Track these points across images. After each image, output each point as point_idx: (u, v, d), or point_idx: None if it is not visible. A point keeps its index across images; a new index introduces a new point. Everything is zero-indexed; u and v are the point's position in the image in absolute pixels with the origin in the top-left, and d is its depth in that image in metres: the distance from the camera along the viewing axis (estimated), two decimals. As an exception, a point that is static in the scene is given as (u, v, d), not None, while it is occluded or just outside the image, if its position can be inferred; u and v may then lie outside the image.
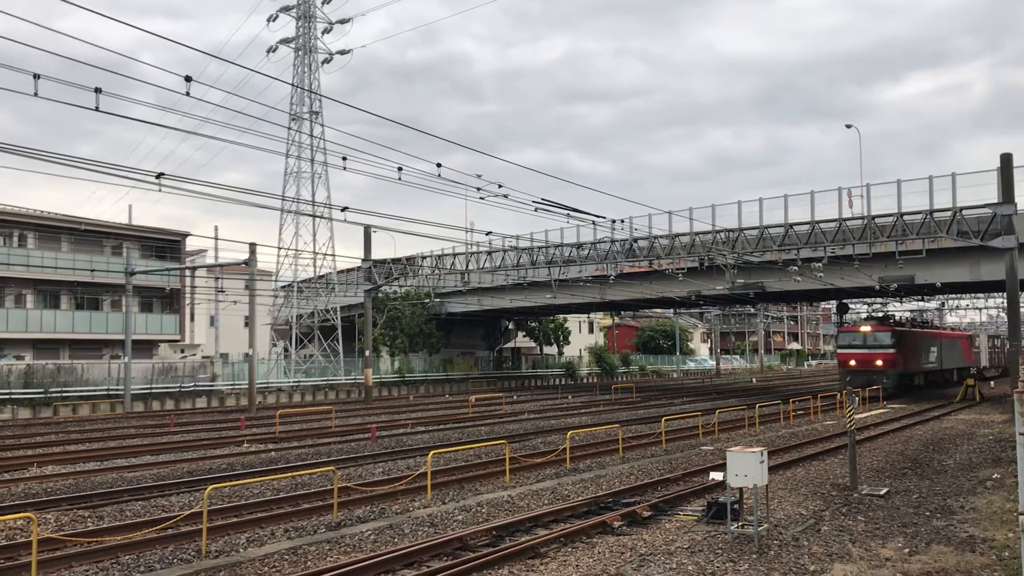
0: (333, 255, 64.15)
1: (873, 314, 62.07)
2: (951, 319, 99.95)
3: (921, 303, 74.97)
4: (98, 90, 13.56)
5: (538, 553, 12.16)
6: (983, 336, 73.15)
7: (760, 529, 12.89)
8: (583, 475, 19.74)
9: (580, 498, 16.48)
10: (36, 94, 12.87)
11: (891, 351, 47.98)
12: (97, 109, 13.71)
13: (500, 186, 22.65)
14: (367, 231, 50.79)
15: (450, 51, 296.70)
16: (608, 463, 21.78)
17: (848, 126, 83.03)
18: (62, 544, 12.38)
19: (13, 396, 39.52)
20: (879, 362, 47.60)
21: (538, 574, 11.07)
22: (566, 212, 25.07)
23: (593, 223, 36.60)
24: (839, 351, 51.66)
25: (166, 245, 59.38)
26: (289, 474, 18.22)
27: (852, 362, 48.97)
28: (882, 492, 17.10)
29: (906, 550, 12.34)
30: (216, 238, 63.09)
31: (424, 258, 53.15)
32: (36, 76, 12.84)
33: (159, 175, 16.57)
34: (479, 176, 22.53)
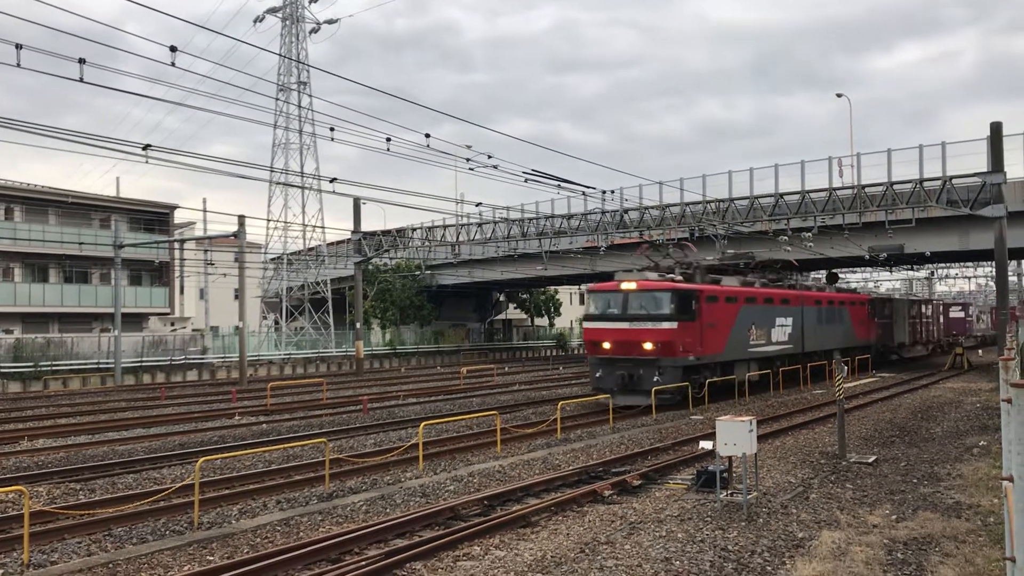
0: (323, 227, 63.94)
1: (658, 255, 33.08)
2: (941, 288, 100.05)
3: (910, 272, 74.62)
4: (82, 61, 13.39)
5: (529, 522, 12.25)
6: (900, 302, 52.84)
7: (749, 497, 13.00)
8: (574, 445, 19.85)
9: (571, 468, 16.57)
10: (19, 65, 12.70)
11: (671, 326, 26.41)
12: (82, 80, 13.55)
13: (490, 156, 22.56)
14: (356, 203, 50.57)
15: (439, 20, 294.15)
16: (599, 433, 21.89)
17: (839, 95, 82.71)
18: (54, 517, 12.41)
19: (3, 370, 39.43)
20: (649, 344, 26.34)
21: (529, 543, 11.15)
22: (556, 183, 25.01)
23: (583, 194, 36.48)
24: (585, 325, 28.41)
25: (154, 218, 59.04)
26: (280, 446, 18.26)
27: (606, 344, 26.99)
28: (870, 460, 17.25)
29: (893, 517, 12.48)
30: (205, 210, 62.66)
31: (414, 230, 52.98)
32: (18, 46, 12.67)
33: (146, 147, 16.43)
34: (469, 147, 22.42)
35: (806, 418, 24.32)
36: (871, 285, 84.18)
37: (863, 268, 61.20)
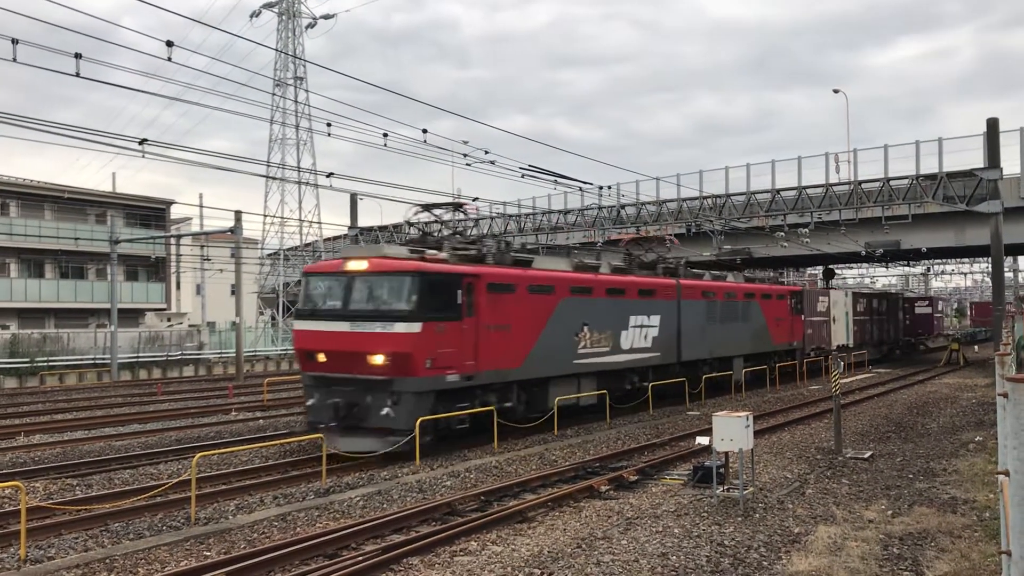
0: (319, 223, 63.91)
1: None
2: (937, 284, 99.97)
3: (907, 268, 74.46)
4: (78, 55, 13.37)
5: (526, 517, 12.27)
6: (838, 294, 43.86)
7: (745, 492, 13.02)
8: (570, 441, 19.86)
9: (567, 463, 16.59)
10: (15, 59, 12.67)
11: (411, 328, 17.10)
12: (78, 75, 13.53)
13: (487, 152, 22.54)
14: (353, 198, 50.53)
15: (436, 15, 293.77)
16: (595, 428, 21.91)
17: (836, 91, 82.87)
18: (51, 512, 12.41)
19: (-1, 366, 39.38)
20: (379, 356, 17.00)
21: (526, 538, 11.17)
22: (553, 179, 24.98)
23: (580, 189, 36.48)
24: (296, 325, 19.41)
25: (151, 213, 58.92)
26: (277, 441, 18.25)
27: (320, 356, 17.82)
28: (866, 455, 17.29)
29: (889, 512, 12.51)
30: (201, 205, 62.59)
31: (411, 225, 52.94)
32: (14, 41, 12.64)
33: (142, 141, 16.39)
34: (466, 143, 22.39)
35: (802, 413, 24.37)
36: (867, 281, 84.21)
37: (859, 264, 61.25)
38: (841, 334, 42.70)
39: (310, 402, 18.06)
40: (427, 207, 21.96)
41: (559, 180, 25.27)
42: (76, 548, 10.92)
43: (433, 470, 16.20)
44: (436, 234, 22.04)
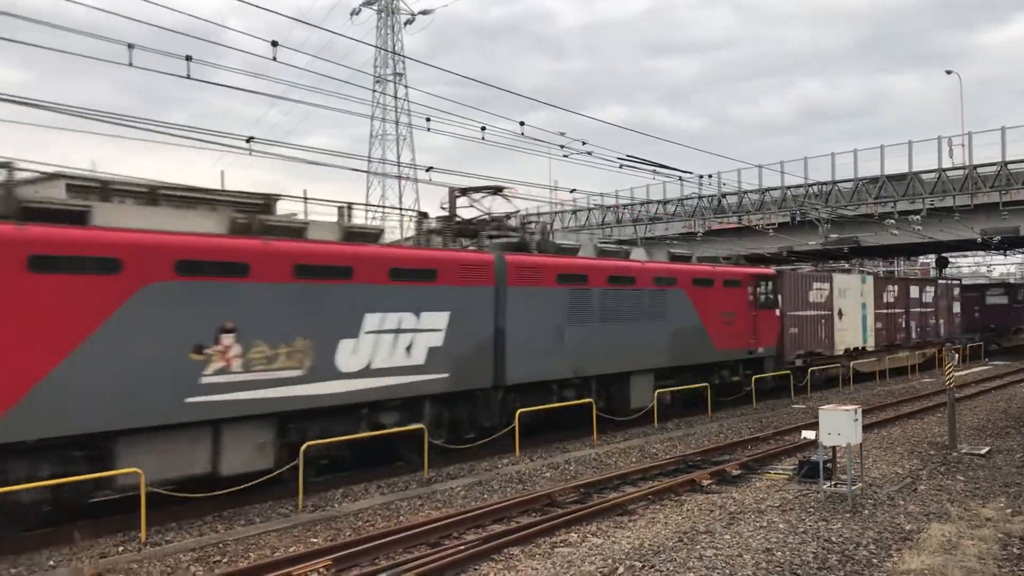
0: (418, 216, 64.68)
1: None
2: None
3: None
4: (189, 58, 13.87)
5: (626, 510, 12.20)
6: (848, 279, 31.88)
7: (854, 488, 12.65)
8: (671, 434, 19.65)
9: (668, 457, 16.43)
10: (131, 64, 13.23)
11: None
12: (188, 77, 14.04)
13: (584, 143, 22.43)
14: (451, 192, 51.07)
15: (533, 7, 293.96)
16: (696, 422, 21.60)
17: (949, 72, 79.34)
18: (170, 499, 12.94)
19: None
20: None
21: (627, 531, 11.11)
22: (652, 168, 24.70)
23: (680, 179, 35.97)
24: None
25: (258, 208, 60.65)
26: (381, 432, 18.59)
27: None
28: (983, 451, 16.57)
29: (1008, 510, 11.96)
30: (305, 199, 64.31)
31: (508, 217, 53.19)
32: (130, 46, 13.19)
33: (249, 139, 16.93)
34: (562, 134, 22.34)
35: (913, 407, 23.51)
36: (983, 270, 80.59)
37: (975, 252, 58.60)
38: (853, 333, 31.05)
39: None
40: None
41: (658, 169, 24.98)
42: (192, 533, 11.38)
43: (532, 461, 16.27)
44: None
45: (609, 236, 49.53)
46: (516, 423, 16.69)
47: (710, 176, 38.26)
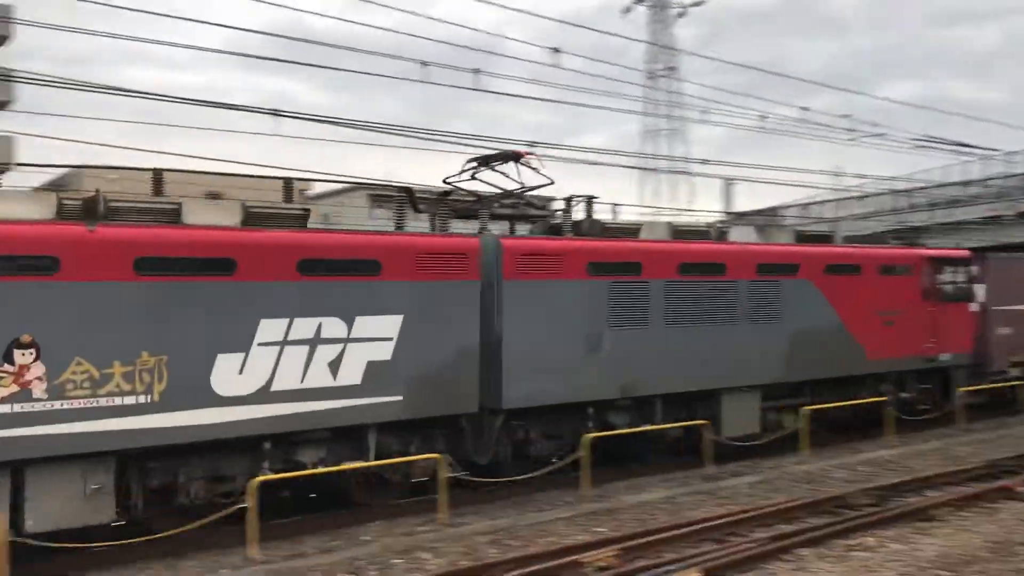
0: (692, 211, 63.98)
1: None
2: None
3: None
4: (477, 71, 14.68)
5: (928, 516, 11.37)
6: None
7: None
8: (979, 435, 18.04)
9: (975, 460, 15.10)
10: (423, 81, 14.22)
11: None
12: (476, 89, 14.84)
13: (875, 125, 21.13)
14: (726, 184, 49.97)
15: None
16: (1012, 423, 19.64)
17: None
18: (468, 483, 13.67)
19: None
20: None
21: (930, 537, 10.37)
22: (952, 147, 22.80)
23: (983, 158, 32.89)
24: None
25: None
26: (664, 426, 18.65)
27: None
28: None
29: None
30: (592, 200, 66.06)
31: (787, 207, 51.21)
32: (423, 63, 14.19)
33: (531, 144, 17.63)
34: (847, 117, 21.19)
35: None
36: None
37: None
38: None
39: None
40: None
41: (959, 148, 22.99)
42: (486, 517, 12.01)
43: (821, 460, 15.58)
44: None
45: (902, 223, 46.26)
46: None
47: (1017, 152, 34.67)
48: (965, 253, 20.35)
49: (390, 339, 11.74)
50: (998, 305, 20.31)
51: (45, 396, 9.45)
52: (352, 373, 11.43)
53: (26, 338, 9.39)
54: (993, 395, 20.56)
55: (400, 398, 11.79)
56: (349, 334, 11.41)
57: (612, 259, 13.97)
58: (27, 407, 9.35)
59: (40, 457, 9.50)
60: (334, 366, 11.30)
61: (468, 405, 12.52)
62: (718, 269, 15.23)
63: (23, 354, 9.38)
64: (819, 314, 16.53)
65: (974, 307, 19.76)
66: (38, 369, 9.44)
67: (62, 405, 9.54)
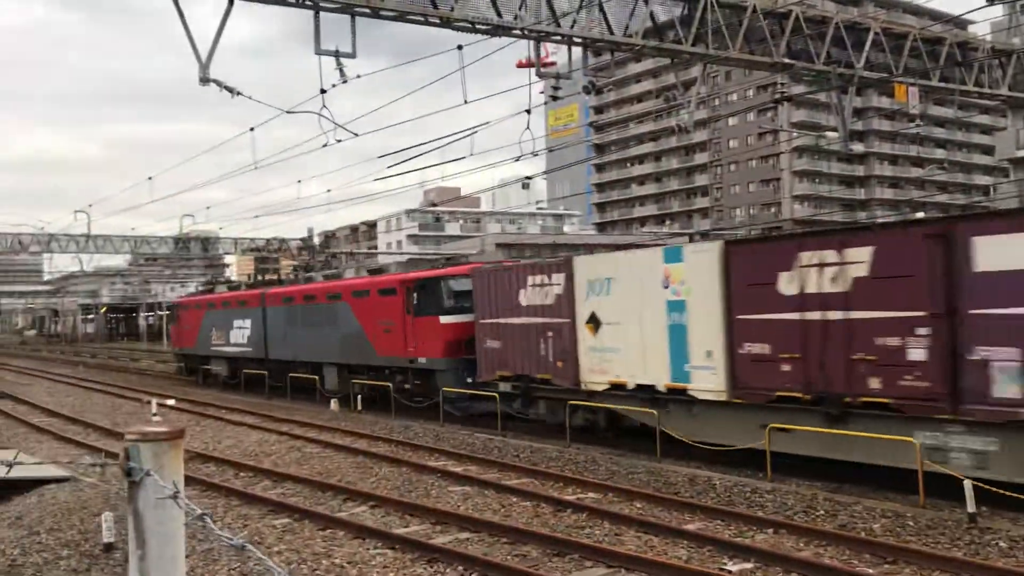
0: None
1: None
2: None
3: None
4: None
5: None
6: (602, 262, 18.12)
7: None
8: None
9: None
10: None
11: None
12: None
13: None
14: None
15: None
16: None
17: None
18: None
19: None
20: None
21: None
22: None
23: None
24: None
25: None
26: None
27: None
28: None
29: None
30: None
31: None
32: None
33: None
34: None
35: None
36: None
37: None
38: (637, 357, 16.33)
39: None
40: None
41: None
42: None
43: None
44: None
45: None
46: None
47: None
48: (436, 273, 23.48)
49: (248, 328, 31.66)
50: (484, 318, 20.38)
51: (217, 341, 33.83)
52: (244, 339, 32.20)
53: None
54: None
55: (251, 349, 32.07)
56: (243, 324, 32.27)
57: (285, 295, 30.08)
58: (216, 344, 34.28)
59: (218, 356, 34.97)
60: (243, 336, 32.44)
61: (263, 355, 31.40)
62: (314, 297, 28.27)
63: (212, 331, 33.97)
64: (351, 323, 25.70)
65: (447, 319, 22.05)
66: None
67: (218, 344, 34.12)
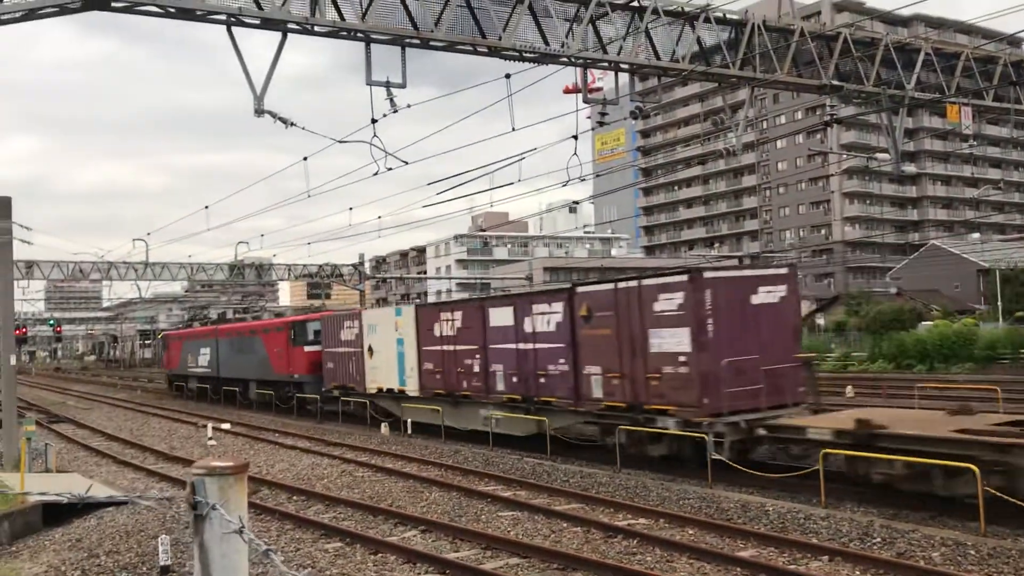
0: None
1: None
2: None
3: None
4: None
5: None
6: (380, 314, 29.45)
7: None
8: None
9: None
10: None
11: None
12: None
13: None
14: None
15: None
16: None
17: None
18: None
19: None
20: None
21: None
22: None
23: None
24: None
25: None
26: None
27: None
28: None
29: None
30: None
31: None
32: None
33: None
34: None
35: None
36: None
37: None
38: (387, 373, 26.46)
39: None
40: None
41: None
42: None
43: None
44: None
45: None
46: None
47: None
48: (302, 318, 34.63)
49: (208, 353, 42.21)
50: (326, 348, 30.54)
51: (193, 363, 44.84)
52: (206, 361, 42.78)
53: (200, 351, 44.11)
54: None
55: (209, 371, 42.07)
56: (204, 351, 42.73)
57: (229, 330, 40.89)
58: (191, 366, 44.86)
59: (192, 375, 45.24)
60: (207, 359, 42.91)
61: (217, 375, 41.64)
62: (240, 333, 39.23)
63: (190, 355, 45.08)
64: (262, 351, 35.68)
65: (310, 348, 32.02)
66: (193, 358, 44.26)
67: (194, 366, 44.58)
